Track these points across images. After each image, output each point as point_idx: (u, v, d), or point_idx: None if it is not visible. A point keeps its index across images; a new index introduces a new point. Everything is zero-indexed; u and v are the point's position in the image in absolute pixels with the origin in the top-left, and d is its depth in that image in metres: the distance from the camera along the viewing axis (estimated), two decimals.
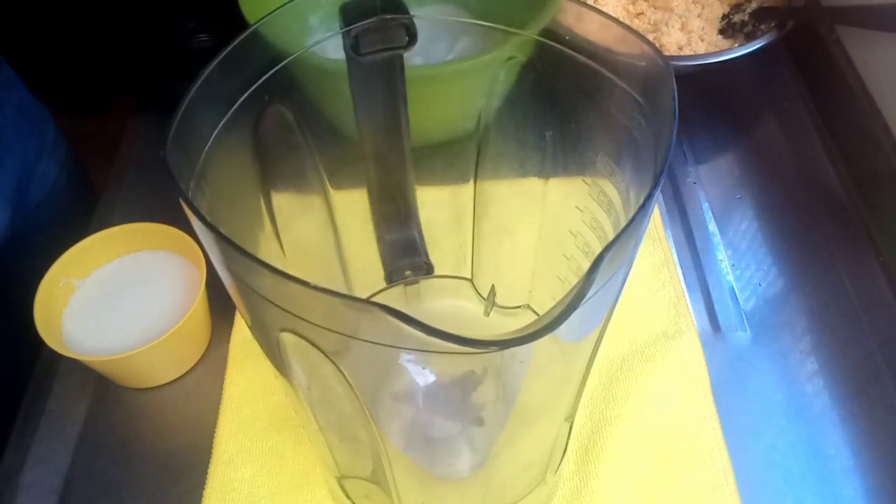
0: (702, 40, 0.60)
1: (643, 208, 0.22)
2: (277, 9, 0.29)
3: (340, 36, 0.31)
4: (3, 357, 0.55)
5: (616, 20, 0.27)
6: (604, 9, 0.62)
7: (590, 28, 0.28)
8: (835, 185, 0.56)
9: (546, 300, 0.42)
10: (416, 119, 0.35)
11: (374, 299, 0.22)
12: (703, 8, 0.62)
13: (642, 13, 0.62)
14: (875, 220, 0.53)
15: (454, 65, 0.45)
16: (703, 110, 0.62)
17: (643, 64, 0.26)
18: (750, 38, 0.59)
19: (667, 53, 0.58)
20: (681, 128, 0.59)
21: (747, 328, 0.48)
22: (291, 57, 0.30)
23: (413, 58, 0.33)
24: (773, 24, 0.58)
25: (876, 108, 0.55)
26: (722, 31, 0.61)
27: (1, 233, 0.56)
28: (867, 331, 0.48)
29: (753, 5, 0.61)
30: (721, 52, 0.55)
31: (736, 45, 0.59)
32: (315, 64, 0.33)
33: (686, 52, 0.59)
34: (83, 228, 0.52)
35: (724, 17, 0.62)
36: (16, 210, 0.58)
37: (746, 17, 0.60)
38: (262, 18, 0.28)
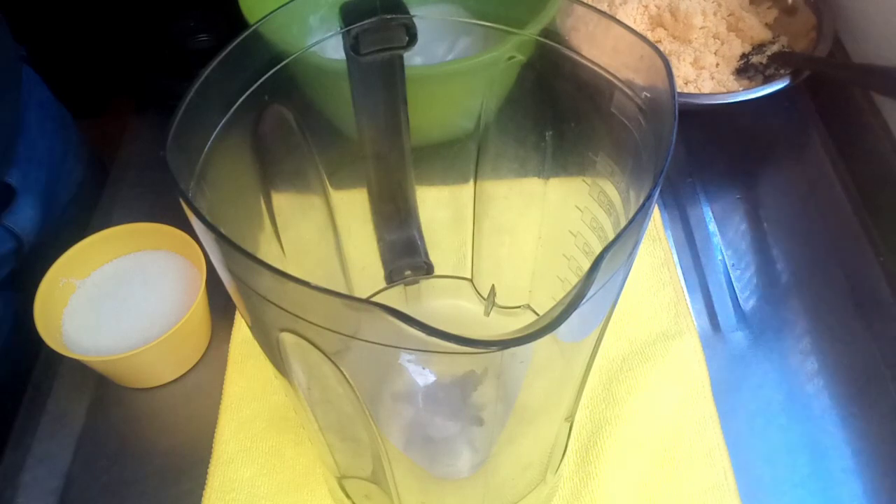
0: (711, 78, 0.57)
1: (643, 208, 0.22)
2: (277, 9, 0.29)
3: (340, 36, 0.31)
4: (3, 357, 0.55)
5: (616, 20, 0.27)
6: None
7: (590, 28, 0.28)
8: (835, 184, 0.56)
9: (546, 300, 0.42)
10: (416, 119, 0.35)
11: (374, 299, 0.22)
12: (721, 44, 0.60)
13: (660, 41, 0.60)
14: (875, 220, 0.53)
15: (454, 65, 0.45)
16: (703, 131, 0.61)
17: (643, 64, 0.26)
18: (769, 80, 0.55)
19: None
20: (681, 135, 0.59)
21: (747, 328, 0.48)
22: (291, 57, 0.30)
23: (413, 58, 0.33)
24: (790, 71, 0.55)
25: (876, 108, 0.55)
26: (741, 70, 0.59)
27: (33, 230, 0.54)
28: (867, 331, 0.48)
29: (775, 48, 0.58)
30: (719, 95, 0.54)
31: (741, 88, 0.56)
32: (315, 64, 0.33)
33: (690, 88, 0.57)
34: (83, 228, 0.52)
35: (744, 56, 0.59)
36: (46, 208, 0.56)
37: (765, 60, 0.58)
38: (262, 18, 0.28)
